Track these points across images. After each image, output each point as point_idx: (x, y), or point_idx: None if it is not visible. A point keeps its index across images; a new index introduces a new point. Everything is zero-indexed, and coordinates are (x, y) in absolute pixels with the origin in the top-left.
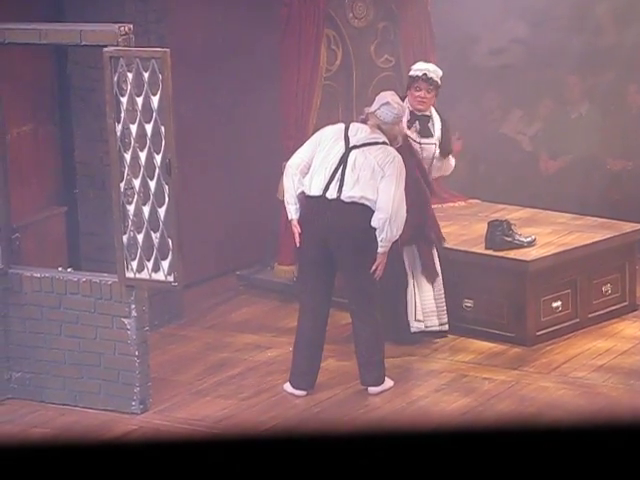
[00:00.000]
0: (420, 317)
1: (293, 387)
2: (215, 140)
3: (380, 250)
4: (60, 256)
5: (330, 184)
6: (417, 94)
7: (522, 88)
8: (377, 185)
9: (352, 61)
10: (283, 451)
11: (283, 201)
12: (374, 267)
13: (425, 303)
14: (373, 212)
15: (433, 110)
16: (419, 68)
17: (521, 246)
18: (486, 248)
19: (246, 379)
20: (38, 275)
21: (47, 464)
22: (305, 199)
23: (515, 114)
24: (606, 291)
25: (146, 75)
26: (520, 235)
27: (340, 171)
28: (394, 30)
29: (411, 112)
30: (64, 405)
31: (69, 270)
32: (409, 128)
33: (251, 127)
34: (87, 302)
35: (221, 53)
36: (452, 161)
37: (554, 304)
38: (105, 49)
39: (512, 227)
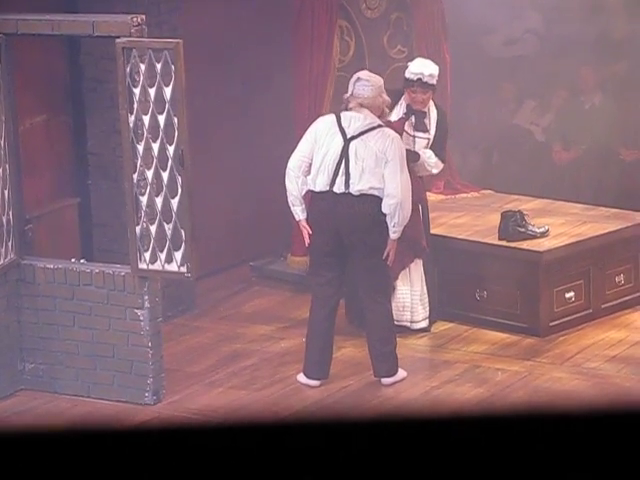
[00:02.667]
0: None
1: (307, 377)
2: (228, 131)
3: (393, 236)
4: (73, 247)
5: (336, 179)
6: (413, 96)
7: (535, 79)
8: (382, 172)
9: (365, 52)
10: (297, 439)
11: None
12: (386, 253)
13: (399, 298)
14: (381, 200)
15: (432, 105)
16: (414, 71)
17: (534, 237)
18: (499, 239)
19: (259, 370)
20: (51, 266)
21: (60, 454)
22: (311, 195)
23: (528, 105)
24: (619, 281)
25: (159, 66)
26: (533, 226)
27: (344, 165)
28: (407, 21)
29: (408, 105)
30: (77, 396)
31: (82, 261)
32: (406, 120)
33: (264, 118)
34: (100, 293)
35: (234, 44)
36: (431, 160)
37: (567, 295)
38: (118, 40)
39: (525, 218)
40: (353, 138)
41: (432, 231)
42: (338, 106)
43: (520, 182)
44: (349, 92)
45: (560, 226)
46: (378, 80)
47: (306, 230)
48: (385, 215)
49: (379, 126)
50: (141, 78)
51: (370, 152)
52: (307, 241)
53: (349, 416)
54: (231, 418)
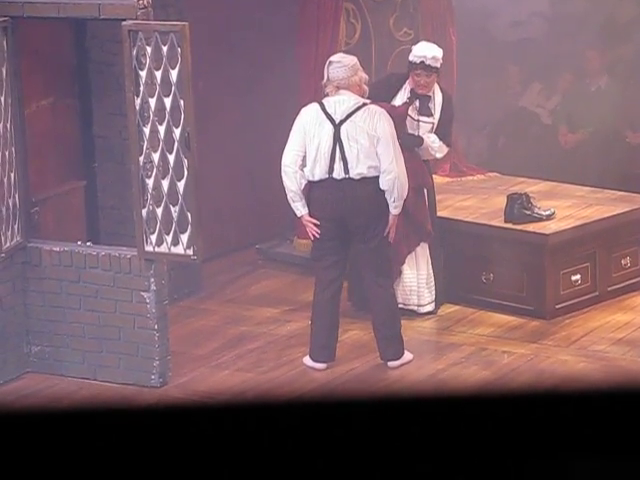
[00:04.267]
0: (398, 297)
1: (313, 360)
2: (234, 113)
3: (394, 211)
4: (79, 230)
5: (334, 165)
6: (417, 79)
7: (542, 61)
8: (376, 149)
9: (371, 34)
10: (304, 419)
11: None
12: (387, 230)
13: (406, 282)
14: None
15: (437, 89)
16: (417, 54)
17: (540, 219)
18: (505, 221)
19: (265, 352)
20: (57, 249)
21: (67, 435)
22: (310, 185)
23: (534, 87)
24: (625, 264)
25: (165, 49)
26: (539, 208)
27: (339, 150)
28: (413, 3)
29: (412, 90)
30: (83, 379)
31: (88, 244)
32: (410, 104)
33: (270, 100)
34: (106, 276)
35: (240, 26)
36: (435, 144)
37: (573, 277)
38: (124, 23)
39: (531, 200)
40: (342, 122)
41: (438, 214)
42: None
43: (526, 165)
44: (325, 78)
45: (566, 209)
46: (351, 60)
47: (310, 224)
48: (385, 197)
49: (363, 104)
50: (147, 61)
51: (361, 132)
52: (313, 235)
53: (355, 398)
54: (237, 400)
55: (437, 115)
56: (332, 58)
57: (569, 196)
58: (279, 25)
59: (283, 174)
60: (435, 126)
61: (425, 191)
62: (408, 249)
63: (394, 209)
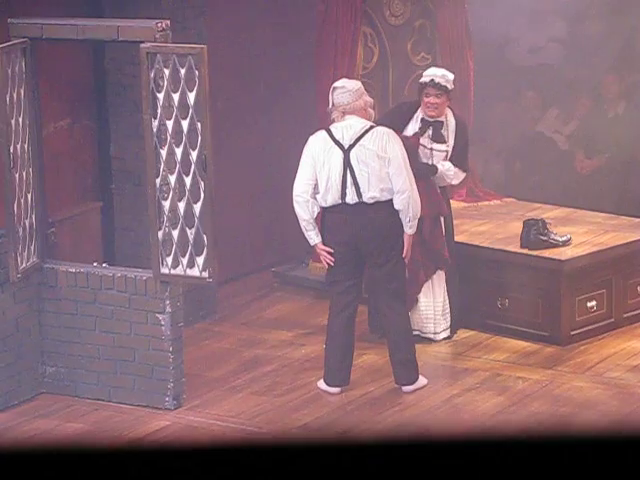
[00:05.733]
0: (415, 325)
1: (327, 384)
2: (251, 137)
3: (410, 231)
4: (95, 251)
5: (346, 190)
6: (427, 100)
7: (559, 87)
8: (387, 171)
9: (389, 59)
10: (317, 448)
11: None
12: (405, 251)
13: (422, 310)
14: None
15: (451, 115)
16: (427, 74)
17: (556, 245)
18: (521, 247)
19: (280, 376)
20: (73, 270)
21: (79, 461)
22: (323, 211)
23: (552, 113)
24: None
25: (183, 71)
26: (555, 234)
27: (350, 175)
28: (431, 28)
29: (423, 119)
30: (98, 400)
31: (104, 265)
32: (421, 135)
33: (287, 124)
34: (122, 297)
35: (258, 49)
36: (450, 172)
37: (589, 304)
38: (142, 45)
39: (547, 226)
40: (351, 147)
41: (455, 238)
42: None
43: (543, 190)
44: (330, 104)
45: (582, 235)
46: (354, 84)
47: (324, 252)
48: (399, 219)
49: (371, 127)
50: (165, 83)
51: (371, 155)
52: (327, 264)
53: (369, 425)
54: (251, 424)
55: (451, 142)
56: (336, 84)
57: (585, 222)
58: (298, 48)
59: (295, 204)
60: (449, 153)
61: (442, 219)
62: (426, 277)
63: (409, 229)
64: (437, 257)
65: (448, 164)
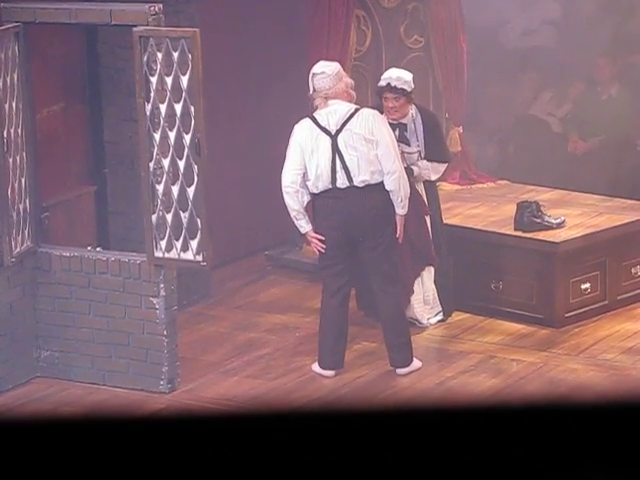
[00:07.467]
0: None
1: (321, 368)
2: (244, 120)
3: (401, 211)
4: (89, 235)
5: (336, 175)
6: (386, 104)
7: (552, 69)
8: (375, 153)
9: (382, 42)
10: (311, 428)
11: None
12: (398, 232)
13: (413, 302)
14: (384, 188)
15: (416, 113)
16: (384, 77)
17: (550, 227)
18: (515, 229)
19: (274, 359)
20: (67, 254)
21: (76, 442)
22: (314, 196)
23: (545, 95)
24: (635, 273)
25: (176, 55)
26: (549, 216)
27: (339, 160)
28: (424, 11)
29: (390, 123)
30: (92, 384)
31: (98, 249)
32: None
33: (281, 107)
34: (116, 281)
35: (250, 33)
36: (426, 170)
37: (583, 286)
38: (135, 29)
39: (541, 208)
40: (338, 132)
41: (449, 221)
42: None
43: (536, 173)
44: (310, 90)
45: (576, 217)
46: (333, 68)
47: (315, 240)
48: (390, 201)
49: (356, 110)
50: (158, 67)
51: (358, 138)
52: (318, 251)
53: (363, 407)
54: (245, 407)
55: (421, 140)
56: (314, 69)
57: (579, 204)
58: (290, 31)
59: (285, 194)
60: (423, 151)
61: (427, 218)
62: (415, 276)
63: (401, 209)
64: (425, 256)
65: (424, 163)
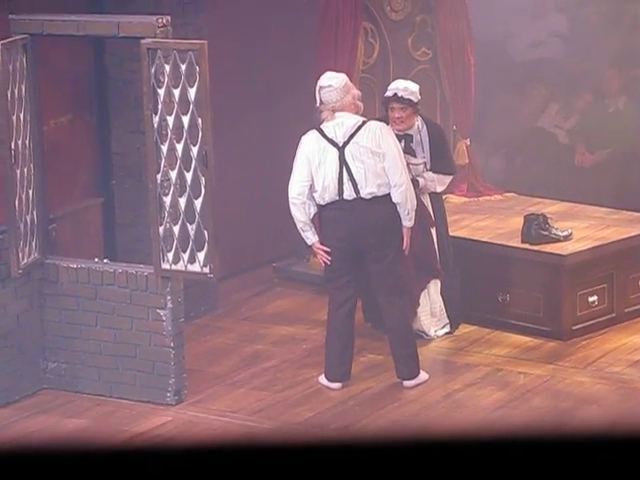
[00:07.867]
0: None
1: (328, 380)
2: (252, 132)
3: (408, 223)
4: (96, 247)
5: (343, 187)
6: (392, 115)
7: (560, 82)
8: (382, 166)
9: (389, 54)
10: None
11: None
12: (405, 244)
13: (420, 315)
14: (391, 200)
15: (421, 125)
16: (391, 88)
17: (557, 240)
18: (522, 242)
19: (281, 371)
20: (74, 266)
21: (80, 455)
22: (320, 208)
23: (552, 107)
24: None
25: (183, 67)
26: (556, 229)
27: (346, 172)
28: (431, 23)
29: (396, 134)
30: (99, 396)
31: (105, 261)
32: None
33: (288, 119)
34: (123, 293)
35: (258, 45)
36: (432, 182)
37: (590, 298)
38: (142, 41)
39: (548, 221)
40: (345, 144)
41: (456, 233)
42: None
43: (543, 185)
44: (317, 102)
45: (583, 229)
46: (340, 80)
47: (321, 251)
48: (396, 213)
49: (363, 123)
50: (166, 79)
51: (365, 151)
52: (324, 262)
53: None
54: (252, 419)
55: (427, 152)
56: (321, 82)
57: (586, 217)
58: (298, 43)
59: (291, 206)
60: (428, 163)
61: (433, 230)
62: (420, 288)
63: (408, 221)
64: (430, 269)
65: (429, 175)
